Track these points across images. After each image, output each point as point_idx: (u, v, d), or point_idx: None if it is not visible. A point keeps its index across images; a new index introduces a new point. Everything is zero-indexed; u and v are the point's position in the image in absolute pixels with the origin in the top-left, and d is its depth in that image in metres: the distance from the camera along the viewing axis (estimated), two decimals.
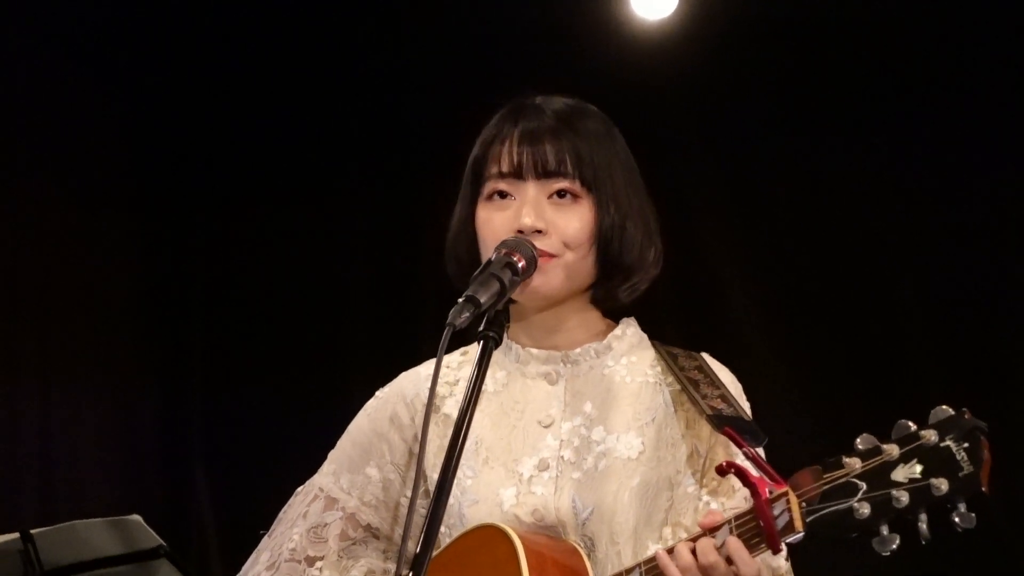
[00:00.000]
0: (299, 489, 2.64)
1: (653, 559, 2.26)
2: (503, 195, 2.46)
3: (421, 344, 2.33)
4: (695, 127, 5.36)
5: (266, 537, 2.63)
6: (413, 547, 2.18)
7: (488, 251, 2.44)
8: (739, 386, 2.50)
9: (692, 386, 2.42)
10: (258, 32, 5.61)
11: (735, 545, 2.16)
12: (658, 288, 2.57)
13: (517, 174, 2.45)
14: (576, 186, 2.45)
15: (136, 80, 5.69)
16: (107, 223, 5.77)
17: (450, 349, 2.32)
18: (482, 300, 2.24)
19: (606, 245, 2.45)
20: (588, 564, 2.38)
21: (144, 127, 5.82)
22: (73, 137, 5.63)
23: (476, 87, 4.02)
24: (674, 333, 2.83)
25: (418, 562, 2.14)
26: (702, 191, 5.42)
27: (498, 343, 2.30)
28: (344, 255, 5.83)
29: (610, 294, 2.51)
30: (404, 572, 2.12)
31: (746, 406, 2.45)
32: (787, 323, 5.30)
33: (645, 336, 2.57)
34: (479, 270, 2.32)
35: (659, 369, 2.51)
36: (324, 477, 2.61)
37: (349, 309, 5.84)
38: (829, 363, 5.23)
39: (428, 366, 2.61)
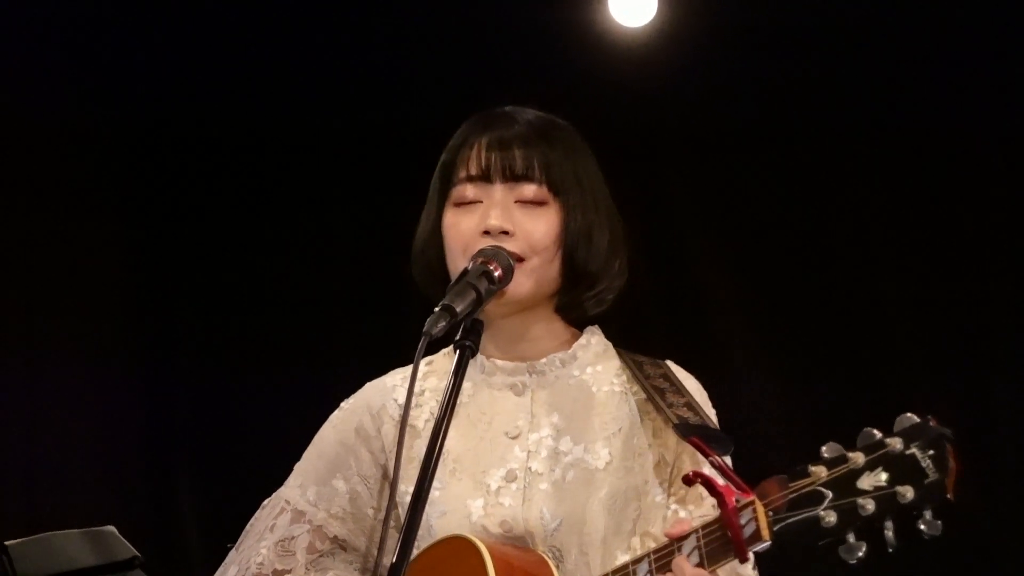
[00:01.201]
0: (265, 502, 2.62)
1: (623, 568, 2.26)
2: (471, 201, 2.45)
3: (410, 351, 2.32)
4: (674, 133, 5.35)
5: (233, 551, 2.61)
6: (386, 559, 2.17)
7: (454, 256, 2.44)
8: (705, 394, 2.49)
9: (658, 394, 2.41)
10: (249, 34, 5.59)
11: (690, 571, 2.14)
12: (640, 293, 2.56)
13: (485, 177, 2.45)
14: (543, 191, 2.44)
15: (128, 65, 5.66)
16: (93, 222, 5.72)
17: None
18: (458, 309, 2.24)
19: (572, 251, 2.45)
20: (557, 575, 2.37)
21: (133, 116, 5.76)
22: (64, 129, 5.58)
23: (456, 93, 4.01)
24: (661, 338, 2.83)
25: (394, 572, 2.13)
26: (683, 197, 5.40)
27: (475, 352, 2.29)
28: (332, 261, 5.80)
29: (575, 302, 2.50)
30: None
31: (712, 414, 2.44)
32: (773, 326, 5.28)
33: (610, 345, 2.56)
34: (456, 279, 2.32)
35: (625, 378, 2.49)
36: (291, 490, 2.59)
37: (336, 319, 5.81)
38: (817, 367, 5.21)
39: (393, 376, 2.60)
